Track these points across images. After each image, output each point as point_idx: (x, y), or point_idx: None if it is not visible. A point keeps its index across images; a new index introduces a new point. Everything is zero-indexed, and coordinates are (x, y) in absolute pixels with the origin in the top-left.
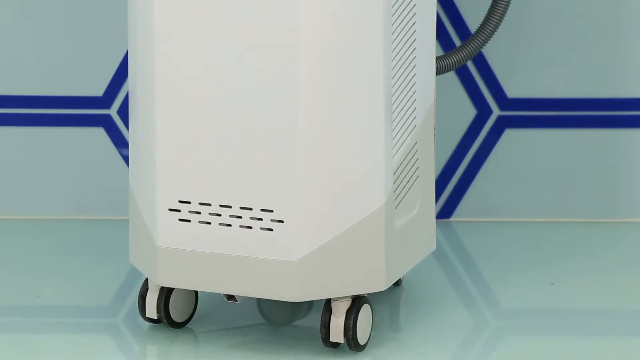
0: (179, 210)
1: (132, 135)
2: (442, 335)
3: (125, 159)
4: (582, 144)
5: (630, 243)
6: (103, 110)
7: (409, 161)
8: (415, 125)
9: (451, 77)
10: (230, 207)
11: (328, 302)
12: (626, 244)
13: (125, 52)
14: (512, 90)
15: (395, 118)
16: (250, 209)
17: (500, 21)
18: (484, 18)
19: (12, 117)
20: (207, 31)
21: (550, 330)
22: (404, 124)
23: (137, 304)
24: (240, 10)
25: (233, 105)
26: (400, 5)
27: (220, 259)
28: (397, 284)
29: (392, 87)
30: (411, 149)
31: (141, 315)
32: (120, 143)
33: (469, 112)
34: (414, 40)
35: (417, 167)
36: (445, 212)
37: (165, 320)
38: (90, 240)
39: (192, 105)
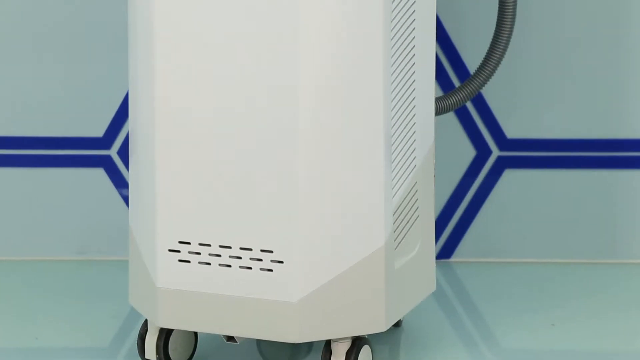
0: (178, 251)
1: (132, 175)
2: None
3: (126, 199)
4: (582, 184)
5: (631, 284)
6: (103, 151)
7: (409, 201)
8: (415, 166)
9: (451, 117)
10: (230, 247)
11: (328, 343)
12: (627, 285)
13: (125, 93)
14: (512, 131)
15: (395, 158)
16: (250, 249)
17: (499, 62)
18: (482, 59)
19: (12, 158)
20: (207, 74)
21: None
22: (403, 165)
23: (136, 345)
24: (241, 53)
25: (233, 147)
26: (399, 47)
27: (220, 299)
28: (397, 324)
29: (392, 127)
30: (411, 189)
31: (140, 356)
32: (121, 184)
33: (469, 152)
34: (414, 81)
35: (417, 208)
36: (445, 253)
37: None
38: (89, 281)
39: (191, 147)
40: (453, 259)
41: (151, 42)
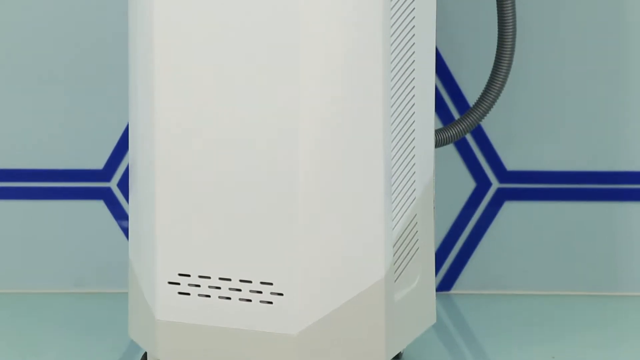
0: (178, 284)
1: (132, 208)
2: None
3: (125, 231)
4: (582, 216)
5: (632, 317)
6: (103, 184)
7: (409, 234)
8: (415, 198)
9: (450, 149)
10: (229, 280)
11: None
12: (628, 318)
13: (126, 125)
14: (511, 163)
15: (395, 190)
16: (250, 281)
17: (499, 94)
18: (482, 92)
19: (11, 190)
20: (206, 113)
21: None
22: (403, 196)
23: None
24: (240, 95)
25: (233, 183)
26: (398, 81)
27: (220, 332)
28: (398, 357)
29: (392, 159)
30: (411, 222)
31: None
32: (120, 215)
33: (468, 184)
34: (413, 113)
35: (417, 240)
36: (445, 285)
37: None
38: (89, 314)
39: (191, 181)
40: (453, 290)
41: (152, 77)
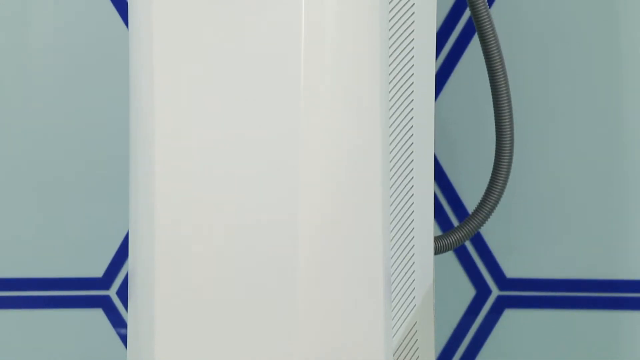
0: None
1: (130, 315)
2: None
3: (123, 338)
4: (583, 325)
5: None
6: (102, 292)
7: (409, 342)
8: (415, 305)
9: (450, 256)
10: None
11: None
12: None
13: (125, 232)
14: (511, 270)
15: (395, 298)
16: None
17: (498, 201)
18: (481, 199)
19: (7, 300)
20: (206, 211)
21: None
22: (403, 304)
23: None
24: (240, 188)
25: (231, 286)
26: (398, 189)
27: None
28: None
29: (391, 267)
30: (411, 329)
31: None
32: (119, 323)
33: (468, 291)
34: (413, 220)
35: (417, 348)
36: None
37: None
38: None
39: (191, 286)
40: None
41: (153, 185)
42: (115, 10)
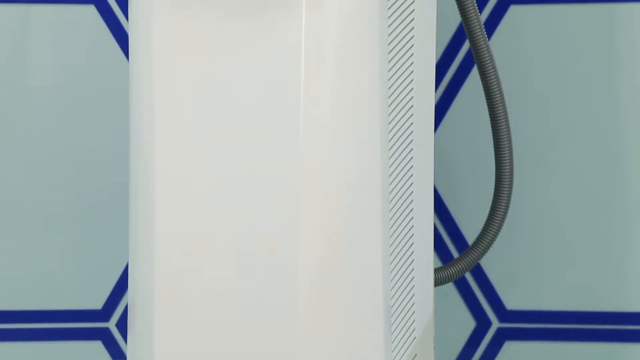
0: None
1: (130, 348)
2: None
3: None
4: (584, 357)
5: None
6: (102, 324)
7: None
8: (415, 337)
9: (450, 288)
10: None
11: None
12: None
13: (125, 264)
14: (511, 302)
15: (395, 330)
16: None
17: (497, 232)
18: (480, 230)
19: (7, 332)
20: (206, 247)
21: None
22: (403, 336)
23: None
24: (240, 223)
25: (231, 319)
26: (397, 221)
27: None
28: None
29: (392, 299)
30: None
31: None
32: (118, 356)
33: (468, 323)
34: (412, 252)
35: None
36: None
37: None
38: None
39: (191, 320)
40: None
41: (152, 223)
42: (118, 46)
